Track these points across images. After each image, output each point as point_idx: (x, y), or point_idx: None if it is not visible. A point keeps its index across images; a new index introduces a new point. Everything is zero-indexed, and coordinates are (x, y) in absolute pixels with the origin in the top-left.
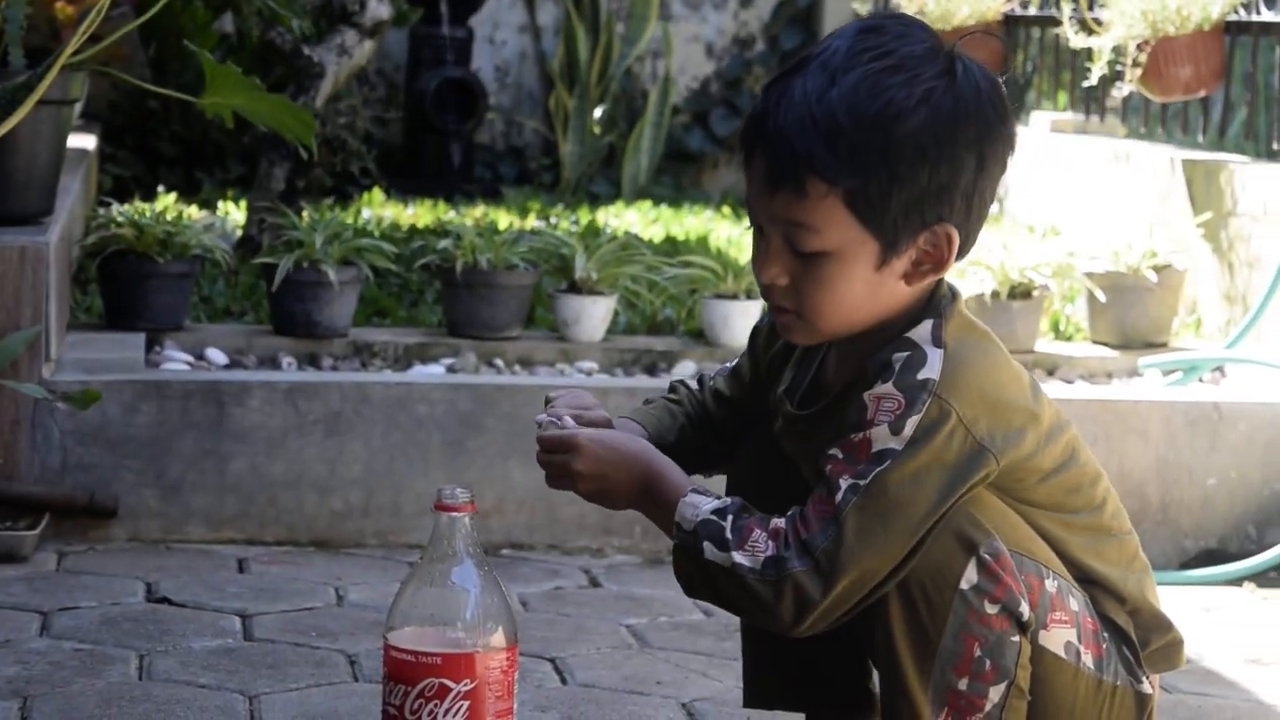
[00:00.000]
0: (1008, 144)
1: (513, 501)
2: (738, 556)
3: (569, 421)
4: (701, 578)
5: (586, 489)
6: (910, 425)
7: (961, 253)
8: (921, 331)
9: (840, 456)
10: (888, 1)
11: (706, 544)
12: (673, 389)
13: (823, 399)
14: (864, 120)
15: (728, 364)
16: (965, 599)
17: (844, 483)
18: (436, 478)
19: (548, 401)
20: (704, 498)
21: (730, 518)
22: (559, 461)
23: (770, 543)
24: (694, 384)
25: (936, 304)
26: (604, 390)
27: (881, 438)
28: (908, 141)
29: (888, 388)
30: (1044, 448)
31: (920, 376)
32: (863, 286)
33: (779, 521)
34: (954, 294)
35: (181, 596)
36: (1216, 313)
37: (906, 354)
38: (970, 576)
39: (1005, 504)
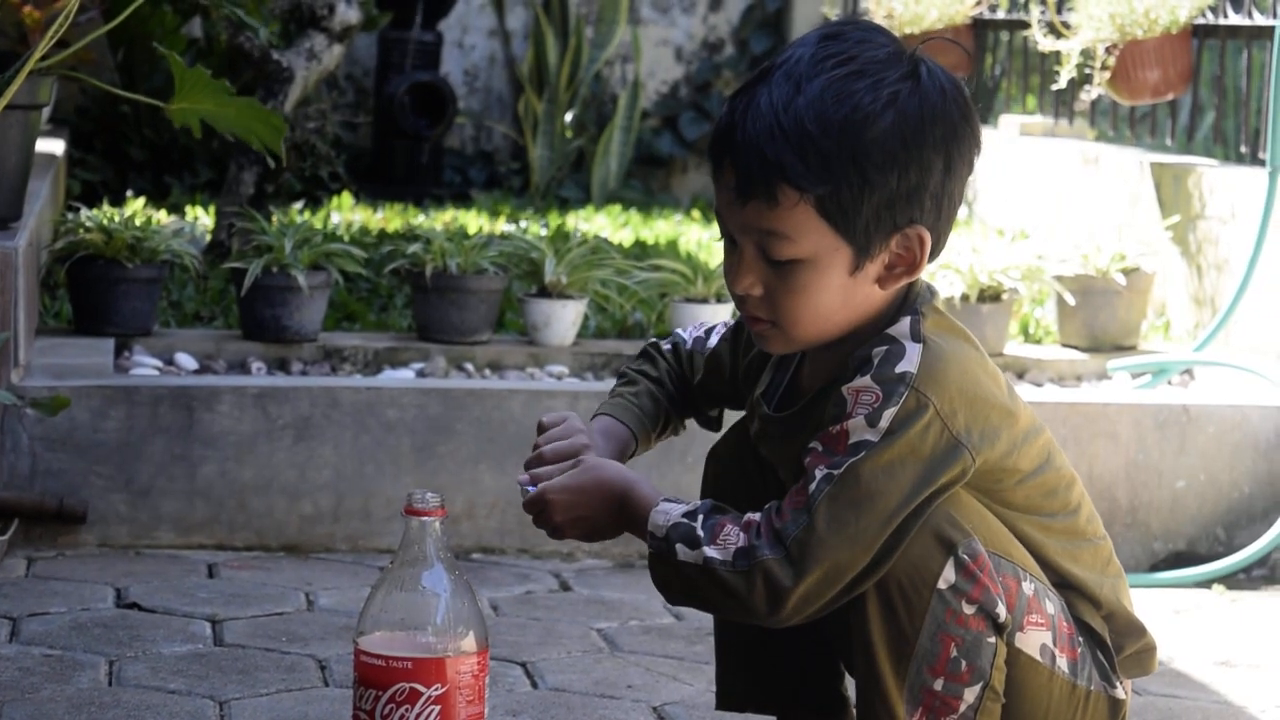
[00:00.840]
0: (974, 145)
1: (483, 506)
2: (709, 550)
3: (527, 479)
4: (678, 581)
5: (574, 534)
6: (887, 417)
7: (934, 254)
8: (900, 327)
9: (819, 449)
10: (856, 5)
11: (679, 545)
12: (646, 355)
13: (799, 402)
14: (832, 127)
15: (700, 332)
16: (943, 599)
17: (819, 473)
18: (407, 482)
19: (540, 428)
20: (674, 504)
21: (701, 517)
22: (541, 521)
23: (742, 534)
24: (667, 350)
25: (913, 302)
26: (574, 394)
27: (858, 429)
28: (876, 146)
29: (866, 380)
30: (1020, 447)
31: (898, 370)
32: (837, 292)
33: (753, 516)
34: (932, 292)
35: (151, 602)
36: (1185, 315)
37: (885, 348)
38: (948, 576)
39: (984, 505)
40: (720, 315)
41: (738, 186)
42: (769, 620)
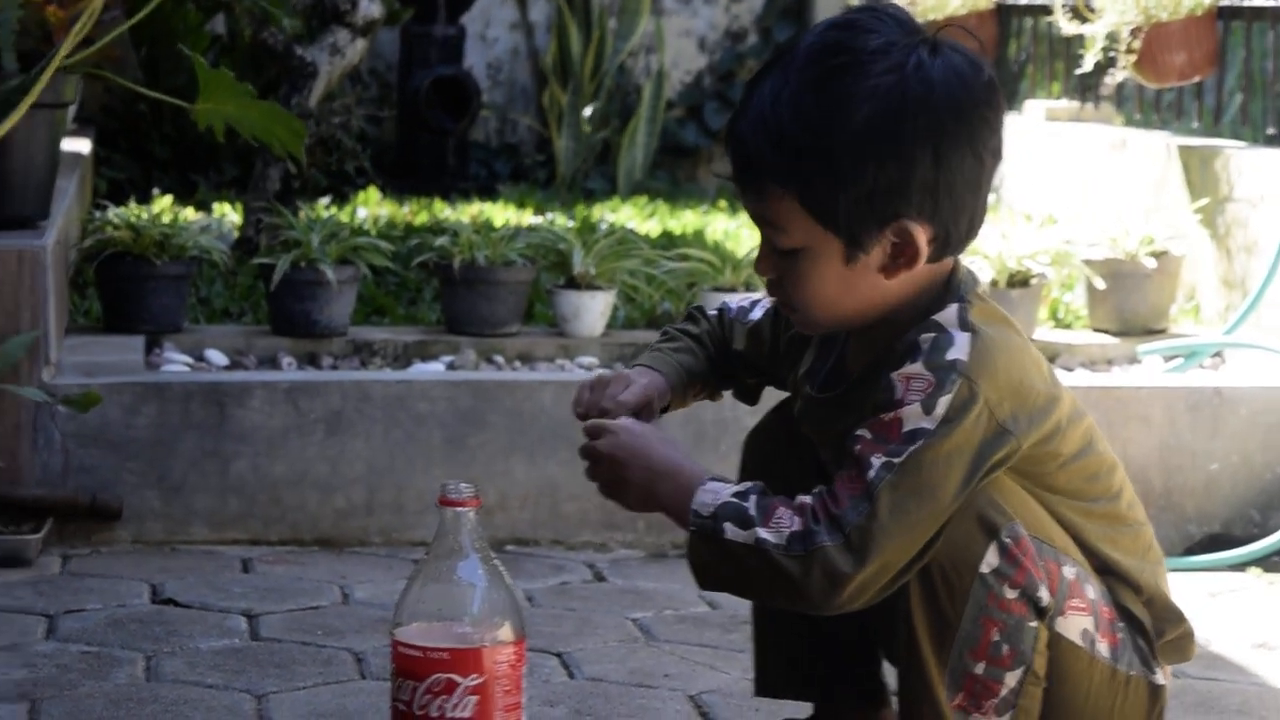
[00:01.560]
0: (977, 135)
1: (516, 497)
2: (762, 533)
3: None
4: (722, 562)
5: (605, 492)
6: (942, 404)
7: (947, 247)
8: (948, 315)
9: (869, 436)
10: None
11: (728, 525)
12: (690, 317)
13: (843, 384)
14: (808, 123)
15: (746, 303)
16: (985, 582)
17: (876, 460)
18: (439, 475)
19: (600, 383)
20: (722, 484)
21: (753, 498)
22: (589, 447)
23: (796, 518)
24: (712, 315)
25: (957, 288)
26: None
27: (913, 416)
28: (850, 141)
29: (916, 367)
30: (1064, 432)
31: (949, 357)
32: (837, 281)
33: (805, 499)
34: (975, 279)
35: (187, 597)
36: (1215, 298)
37: (933, 335)
38: (991, 560)
39: (1026, 490)
40: None
41: (734, 177)
42: (820, 607)
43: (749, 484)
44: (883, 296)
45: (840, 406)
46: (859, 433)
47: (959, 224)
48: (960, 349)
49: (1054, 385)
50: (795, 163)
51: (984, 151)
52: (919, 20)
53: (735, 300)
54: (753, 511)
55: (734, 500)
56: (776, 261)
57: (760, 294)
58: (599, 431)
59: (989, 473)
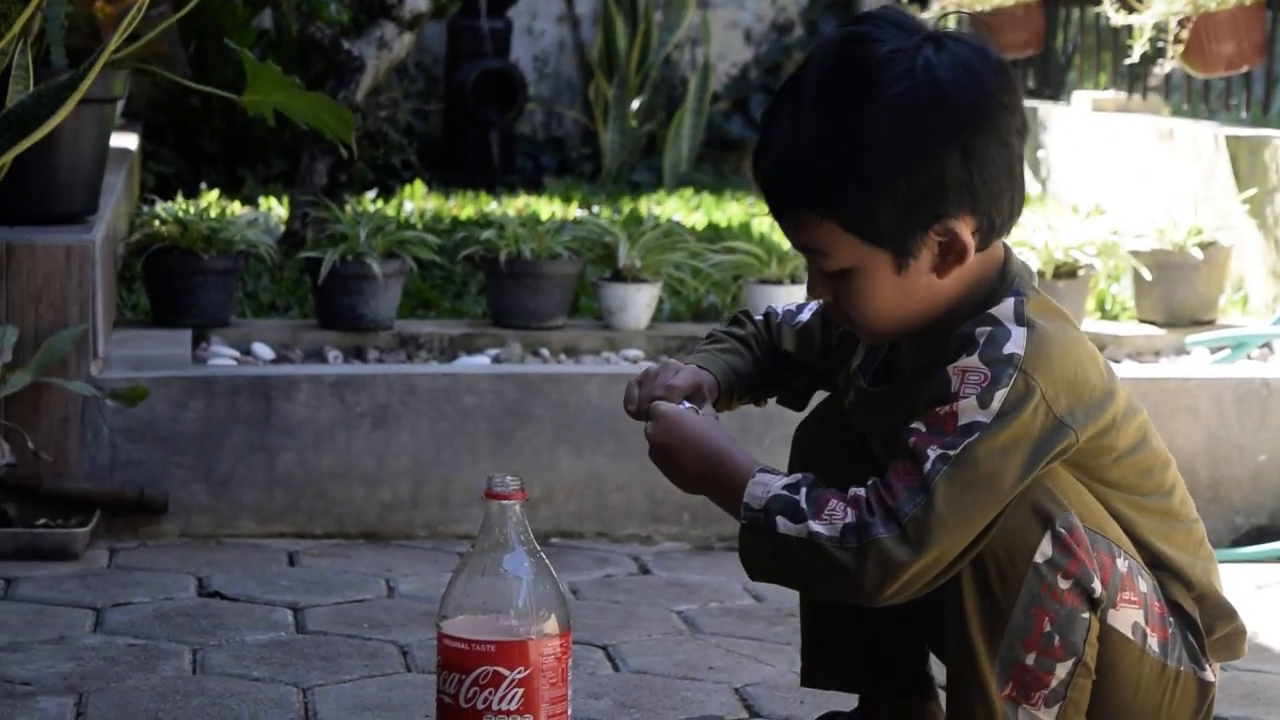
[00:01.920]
0: (999, 121)
1: (561, 490)
2: (815, 525)
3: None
4: (773, 555)
5: (654, 460)
6: (998, 399)
7: (993, 233)
8: (1004, 309)
9: (924, 429)
10: None
11: (780, 518)
12: (737, 322)
13: (897, 377)
14: (832, 147)
15: (792, 307)
16: (1039, 572)
17: (932, 452)
18: (484, 468)
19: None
20: (773, 476)
21: (804, 490)
22: (646, 430)
23: (850, 510)
24: (759, 319)
25: (1012, 281)
26: None
27: (969, 410)
28: (876, 157)
29: (972, 361)
30: (1119, 426)
31: (1006, 351)
32: (893, 291)
33: (858, 491)
34: (1030, 272)
35: (233, 590)
36: (1263, 289)
37: (989, 329)
38: (1045, 550)
39: (1081, 482)
40: (795, 296)
41: (771, 212)
42: (871, 598)
43: (800, 475)
44: (940, 295)
45: (894, 400)
46: (914, 425)
47: (1000, 209)
48: (1016, 343)
49: (1110, 379)
50: (827, 189)
51: (1008, 135)
52: (968, 12)
53: (781, 306)
54: (804, 504)
55: (785, 493)
56: (828, 284)
57: (804, 300)
58: (652, 416)
59: (1045, 466)
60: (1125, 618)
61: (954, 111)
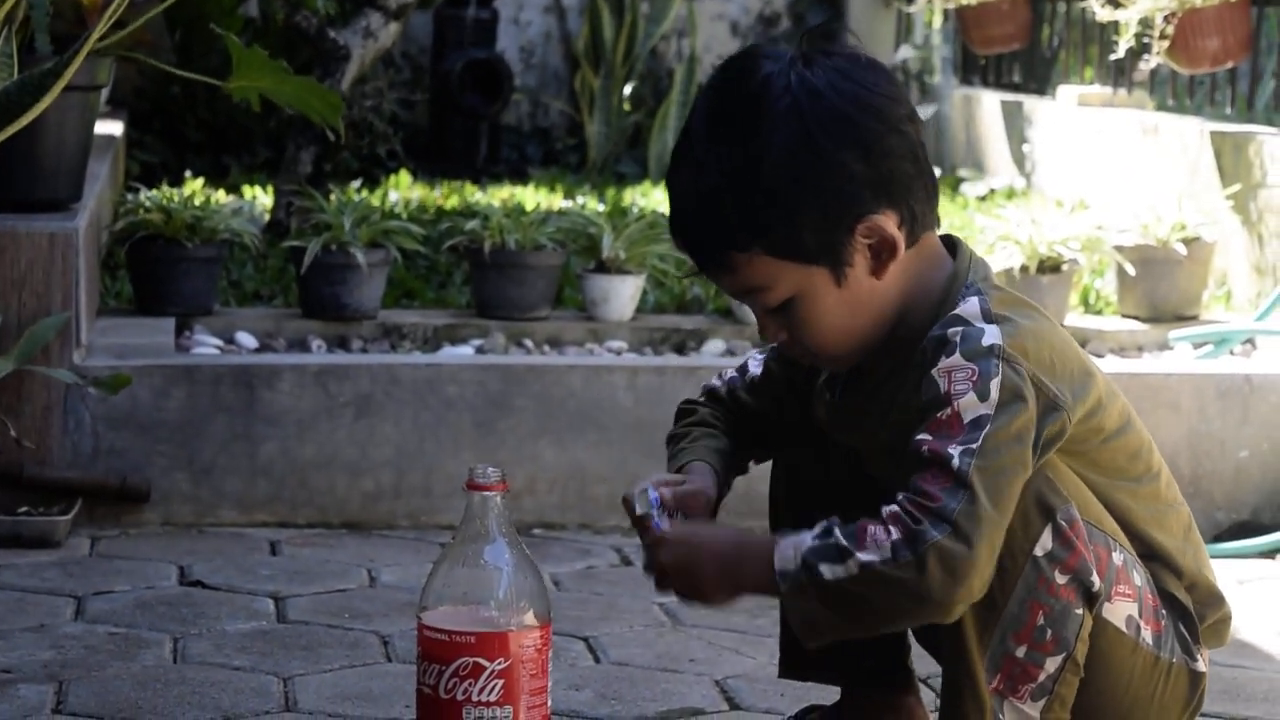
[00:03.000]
0: (886, 112)
1: (543, 481)
2: (863, 555)
3: (652, 506)
4: (828, 608)
5: (679, 585)
6: (994, 388)
7: (916, 222)
8: (970, 309)
9: (933, 437)
10: None
11: (823, 567)
12: (687, 412)
13: (864, 385)
14: (736, 183)
15: (733, 373)
16: (1037, 565)
17: (954, 450)
18: (467, 458)
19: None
20: (797, 535)
21: (837, 530)
22: (652, 565)
23: (893, 528)
24: (710, 402)
25: (966, 279)
26: (634, 369)
27: (970, 406)
28: (781, 178)
29: (955, 360)
30: (1105, 407)
31: (985, 344)
32: (840, 306)
33: (891, 508)
34: (985, 266)
35: (214, 579)
36: (1246, 285)
37: (961, 329)
38: (1045, 543)
39: (1076, 473)
40: None
41: (699, 268)
42: (945, 607)
43: (825, 522)
44: (886, 298)
45: (863, 408)
46: (921, 437)
47: (915, 197)
48: (993, 336)
49: (1087, 361)
50: (745, 222)
51: (899, 124)
52: (954, 7)
53: (717, 378)
54: (844, 541)
55: (817, 543)
56: (777, 321)
57: (743, 357)
58: (653, 546)
59: (1045, 449)
60: (1120, 611)
61: (840, 113)
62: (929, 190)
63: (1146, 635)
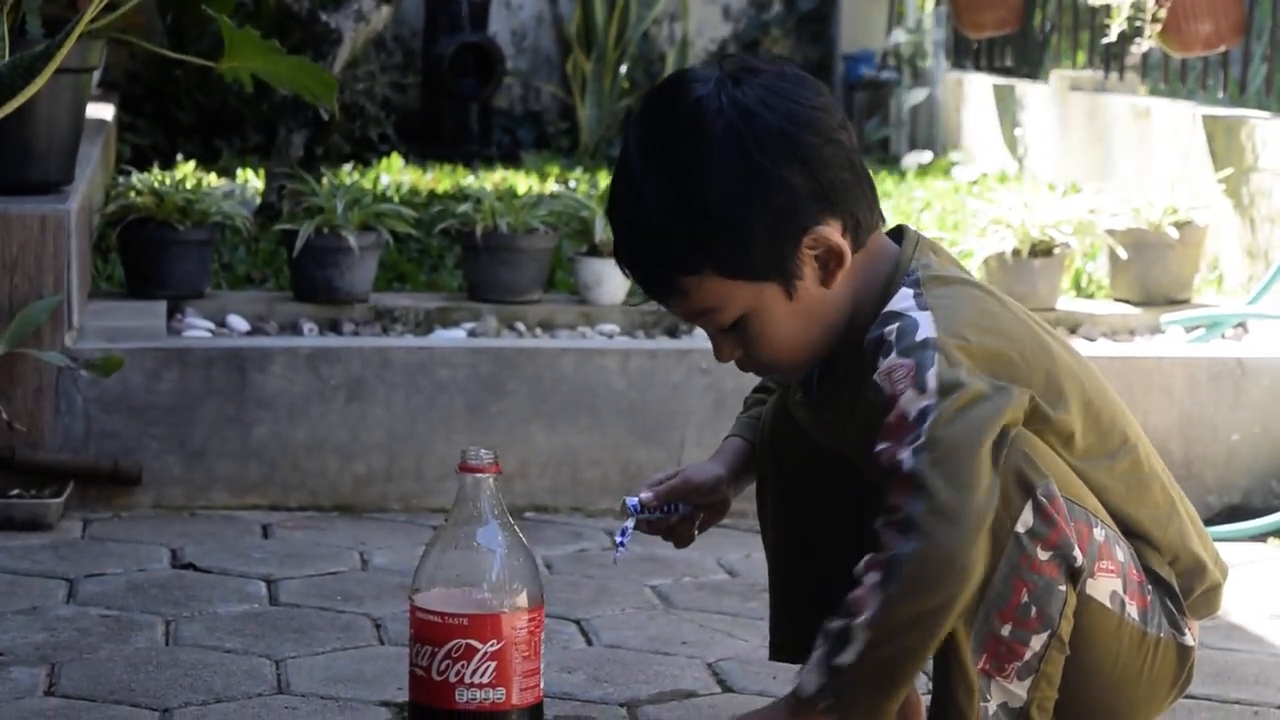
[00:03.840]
0: (818, 123)
1: (535, 464)
2: (860, 619)
3: (631, 513)
4: (864, 684)
5: None
6: (931, 378)
7: (860, 229)
8: (903, 301)
9: (887, 444)
10: None
11: (839, 658)
12: (762, 385)
13: (826, 387)
14: (679, 207)
15: None
16: (1019, 542)
17: (904, 454)
18: (459, 441)
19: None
20: (810, 659)
21: (834, 622)
22: None
23: (874, 573)
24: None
25: (905, 267)
26: (626, 352)
27: (911, 400)
28: (723, 199)
29: (892, 360)
30: (1062, 378)
31: (920, 338)
32: (792, 320)
33: (870, 558)
34: (925, 246)
35: (206, 562)
36: (1238, 269)
37: (896, 325)
38: (1026, 519)
39: (1055, 452)
40: None
41: (650, 295)
42: (953, 598)
43: (820, 632)
44: (836, 305)
45: (823, 406)
46: (880, 447)
47: (857, 204)
48: (926, 328)
49: (1037, 331)
50: (692, 246)
51: (833, 133)
52: None
53: None
54: (837, 624)
55: (824, 645)
56: (731, 340)
57: None
58: None
59: (1010, 418)
60: (1103, 587)
61: (776, 130)
62: (869, 195)
63: (1132, 611)
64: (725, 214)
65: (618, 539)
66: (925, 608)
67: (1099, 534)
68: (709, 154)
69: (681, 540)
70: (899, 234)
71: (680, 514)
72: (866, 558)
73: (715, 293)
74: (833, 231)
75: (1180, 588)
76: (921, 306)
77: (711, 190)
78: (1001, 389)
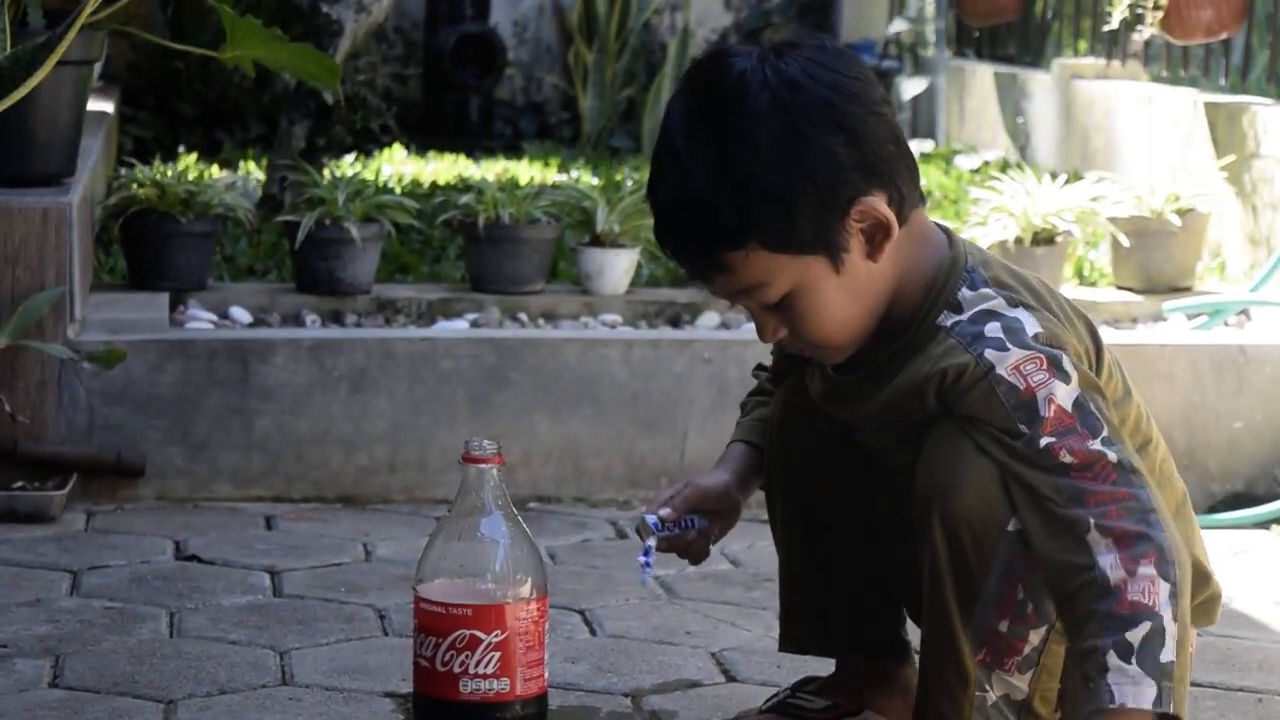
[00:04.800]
0: (863, 96)
1: (539, 455)
2: (1164, 612)
3: (652, 531)
4: (1183, 679)
5: None
6: (1068, 364)
7: (904, 202)
8: (991, 300)
9: (1055, 439)
10: None
11: (1161, 656)
12: (753, 392)
13: (865, 366)
14: (726, 181)
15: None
16: (1012, 541)
17: (1095, 445)
18: (462, 432)
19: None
20: (1114, 686)
21: (1120, 638)
22: None
23: (1138, 568)
24: (762, 368)
25: (965, 264)
26: (629, 343)
27: (1062, 393)
28: (772, 173)
29: (1017, 354)
30: (1114, 374)
31: (1030, 332)
32: (839, 294)
33: (1109, 562)
34: (979, 252)
35: (210, 554)
36: (1240, 256)
37: (998, 323)
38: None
39: None
40: None
41: (693, 273)
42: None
43: (1101, 651)
44: (882, 280)
45: (863, 389)
46: (1045, 443)
47: (901, 176)
48: (1029, 324)
49: (1095, 328)
50: (740, 219)
51: (878, 106)
52: None
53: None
54: (1136, 626)
55: (1131, 664)
56: (776, 318)
57: None
58: None
59: None
60: None
61: (822, 101)
62: (911, 170)
63: None
64: (773, 185)
65: (641, 559)
66: (1188, 590)
67: None
68: (755, 126)
69: (698, 557)
70: (941, 229)
71: (696, 528)
72: (1115, 558)
73: (762, 267)
74: (879, 203)
75: None
76: (1013, 304)
77: (759, 162)
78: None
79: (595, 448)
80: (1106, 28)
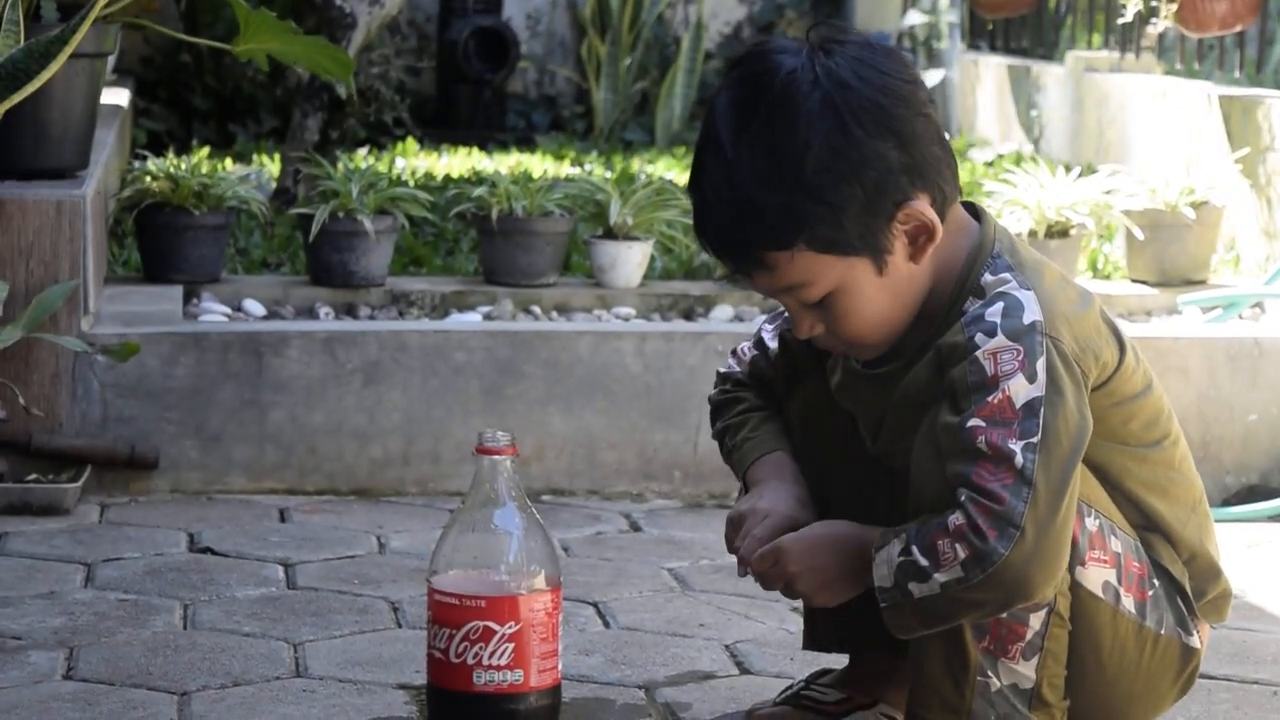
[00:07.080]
0: (911, 98)
1: (552, 447)
2: (940, 576)
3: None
4: (919, 618)
5: (807, 585)
6: (1041, 368)
7: (946, 202)
8: (1005, 281)
9: (985, 424)
10: None
11: (911, 585)
12: (731, 404)
13: (894, 359)
14: (775, 181)
15: (752, 352)
16: None
17: (1016, 445)
18: (476, 425)
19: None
20: (889, 545)
21: (914, 546)
22: (773, 574)
23: (958, 545)
24: (741, 388)
25: (992, 247)
26: (642, 335)
27: (1020, 389)
28: (821, 174)
29: (999, 341)
30: (1135, 368)
31: (1027, 321)
32: (879, 294)
33: (955, 518)
34: (1005, 231)
35: (224, 546)
36: (1255, 249)
37: (1001, 305)
38: None
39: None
40: None
41: (735, 269)
42: (1031, 598)
43: (907, 529)
44: (921, 280)
45: (887, 382)
46: (972, 424)
47: (944, 177)
48: (1032, 310)
49: (1115, 322)
50: (787, 220)
51: (925, 108)
52: None
53: (735, 363)
54: (923, 561)
55: (903, 559)
56: (815, 315)
57: (755, 326)
58: (772, 558)
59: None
60: (1094, 576)
61: (872, 103)
62: (952, 169)
63: (1128, 603)
64: (823, 188)
65: None
66: (991, 600)
67: (1091, 523)
68: (806, 126)
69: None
70: (973, 210)
71: None
72: (959, 522)
73: (805, 268)
74: (924, 206)
75: (1193, 589)
76: (1024, 286)
77: (809, 163)
78: (1083, 378)
79: (608, 440)
80: (1120, 20)
